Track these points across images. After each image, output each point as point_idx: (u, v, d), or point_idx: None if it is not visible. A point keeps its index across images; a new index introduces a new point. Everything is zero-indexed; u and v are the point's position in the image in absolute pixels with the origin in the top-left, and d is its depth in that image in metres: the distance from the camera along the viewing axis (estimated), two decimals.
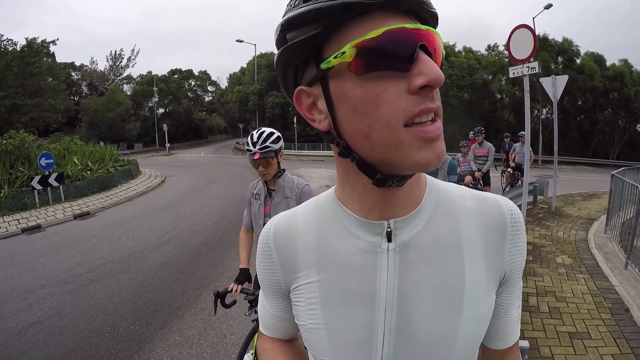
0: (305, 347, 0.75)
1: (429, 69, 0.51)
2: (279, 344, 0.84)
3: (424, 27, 0.53)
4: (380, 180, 0.58)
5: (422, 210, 0.65)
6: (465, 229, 0.65)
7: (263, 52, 42.59)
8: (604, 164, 27.05)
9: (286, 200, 2.51)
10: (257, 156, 2.35)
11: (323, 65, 0.53)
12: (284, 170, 2.59)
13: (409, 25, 0.52)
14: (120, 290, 4.95)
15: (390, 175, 0.57)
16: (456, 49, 33.96)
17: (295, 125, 28.93)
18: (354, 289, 0.64)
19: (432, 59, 0.52)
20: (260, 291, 0.82)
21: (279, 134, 2.48)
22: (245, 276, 2.58)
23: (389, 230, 0.63)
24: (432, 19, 0.56)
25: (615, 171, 7.28)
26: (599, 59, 30.32)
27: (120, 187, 13.84)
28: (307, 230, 0.70)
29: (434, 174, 4.21)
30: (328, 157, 28.72)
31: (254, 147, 2.37)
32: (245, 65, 46.65)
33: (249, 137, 2.43)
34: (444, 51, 0.57)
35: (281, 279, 0.73)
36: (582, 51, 31.07)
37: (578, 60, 30.76)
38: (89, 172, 13.95)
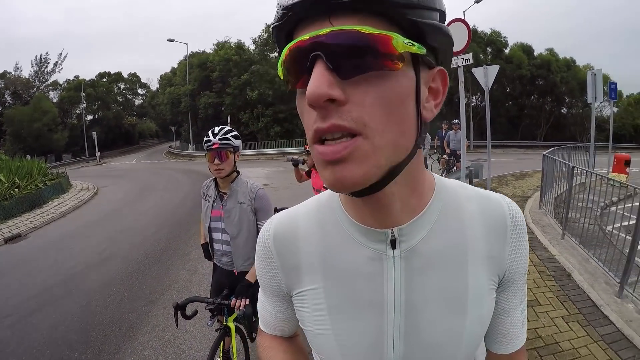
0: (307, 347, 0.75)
1: (309, 85, 0.46)
2: (280, 341, 0.84)
3: (325, 30, 0.46)
4: None
5: (426, 215, 0.63)
6: (470, 233, 0.64)
7: (194, 51, 40.12)
8: (533, 145, 29.12)
9: (239, 206, 2.42)
10: (216, 145, 2.29)
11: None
12: (238, 172, 2.51)
13: (306, 35, 0.47)
14: (65, 317, 4.54)
15: None
16: None
17: (229, 125, 28.41)
18: (362, 296, 0.64)
19: (337, 64, 0.46)
20: (260, 290, 0.81)
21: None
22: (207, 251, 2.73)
23: (393, 238, 0.61)
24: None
25: (547, 151, 7.82)
26: (527, 49, 32.52)
27: (51, 204, 12.77)
28: (309, 234, 0.69)
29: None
30: (263, 156, 29.12)
31: (214, 137, 2.30)
32: (176, 65, 43.59)
33: (210, 131, 2.37)
34: (371, 33, 0.46)
35: (283, 282, 0.72)
36: (512, 42, 33.13)
37: (506, 51, 32.72)
38: (16, 189, 12.78)
